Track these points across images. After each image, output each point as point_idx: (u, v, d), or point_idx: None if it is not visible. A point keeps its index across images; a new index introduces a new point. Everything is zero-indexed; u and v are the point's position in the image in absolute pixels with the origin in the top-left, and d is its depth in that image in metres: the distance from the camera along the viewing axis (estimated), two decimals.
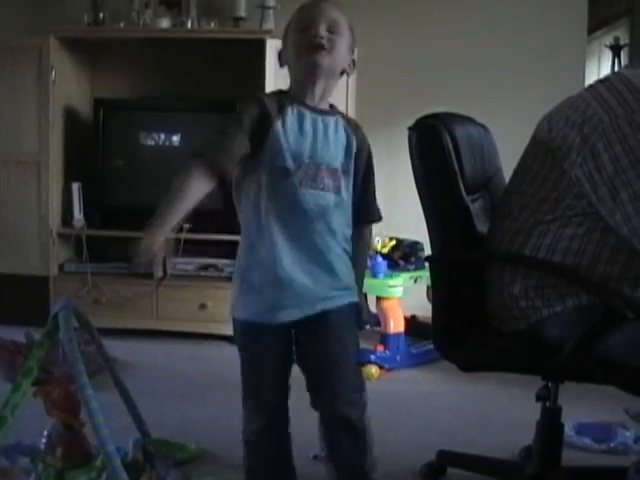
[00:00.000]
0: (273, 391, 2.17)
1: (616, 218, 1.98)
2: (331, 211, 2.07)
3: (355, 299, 2.16)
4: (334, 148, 2.08)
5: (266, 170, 2.03)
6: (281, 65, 2.12)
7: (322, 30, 2.01)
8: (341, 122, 2.12)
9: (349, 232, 2.14)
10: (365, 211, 2.20)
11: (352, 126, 2.15)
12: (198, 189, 1.99)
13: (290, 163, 2.02)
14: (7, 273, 4.59)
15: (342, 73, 2.12)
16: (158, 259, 1.94)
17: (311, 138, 2.05)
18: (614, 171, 1.95)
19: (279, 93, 2.11)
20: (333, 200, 2.07)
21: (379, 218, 2.23)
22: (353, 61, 2.13)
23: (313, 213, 2.04)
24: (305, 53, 2.02)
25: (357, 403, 2.16)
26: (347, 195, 2.11)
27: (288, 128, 2.02)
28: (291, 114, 2.04)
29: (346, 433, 2.16)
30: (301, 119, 2.05)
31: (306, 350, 2.15)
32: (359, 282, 2.22)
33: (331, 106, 2.14)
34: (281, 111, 2.03)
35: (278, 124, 2.02)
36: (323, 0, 2.08)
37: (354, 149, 2.12)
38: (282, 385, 2.17)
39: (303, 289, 2.05)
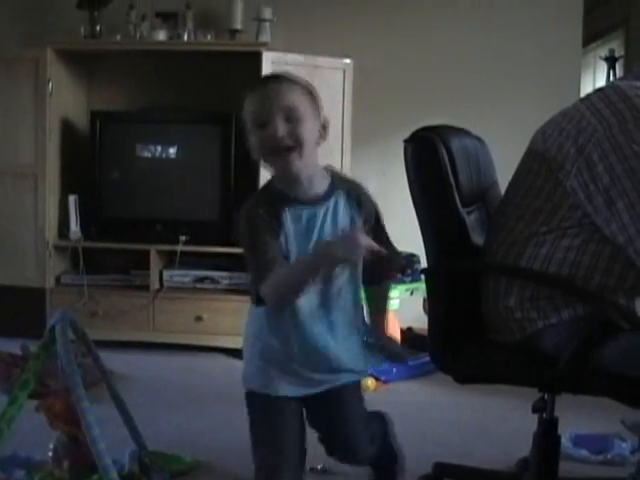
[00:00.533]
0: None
1: (612, 228, 1.98)
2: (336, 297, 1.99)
3: (360, 377, 2.16)
4: (336, 234, 1.94)
5: None
6: (256, 159, 1.94)
7: (281, 127, 1.84)
8: (341, 200, 1.97)
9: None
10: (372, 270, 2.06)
11: (354, 197, 1.99)
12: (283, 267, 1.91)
13: None
14: (3, 285, 4.58)
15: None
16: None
17: (311, 235, 1.92)
18: (609, 181, 1.95)
19: (269, 196, 1.95)
20: (336, 286, 1.98)
21: (403, 268, 2.12)
22: (323, 126, 1.94)
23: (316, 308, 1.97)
24: (274, 158, 1.88)
25: (370, 448, 2.22)
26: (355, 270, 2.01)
27: (289, 236, 1.90)
28: (288, 220, 1.91)
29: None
30: (298, 220, 1.91)
31: (315, 419, 2.13)
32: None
33: (333, 179, 1.99)
34: (279, 220, 1.90)
35: (282, 237, 1.90)
36: (272, 82, 1.93)
37: (360, 222, 1.99)
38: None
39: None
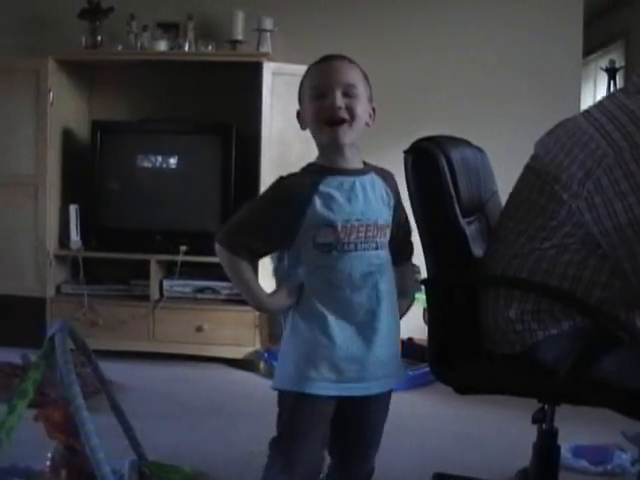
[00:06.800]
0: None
1: (619, 253, 1.98)
2: (384, 268, 2.02)
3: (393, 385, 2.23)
4: (376, 205, 2.00)
5: (308, 249, 1.96)
6: (302, 128, 2.02)
7: (339, 99, 1.92)
8: (376, 178, 2.03)
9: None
10: (405, 249, 2.17)
11: (388, 179, 2.07)
12: (248, 269, 2.04)
13: (333, 235, 1.94)
14: (3, 294, 4.58)
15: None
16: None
17: (354, 201, 1.96)
18: (621, 208, 1.94)
19: (308, 167, 2.02)
20: (384, 257, 2.02)
21: (411, 253, 2.20)
22: (373, 109, 2.03)
23: (364, 276, 1.98)
24: (326, 127, 1.94)
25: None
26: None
27: (327, 201, 1.93)
28: (326, 186, 1.94)
29: None
30: (339, 186, 1.95)
31: (342, 425, 2.17)
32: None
33: (364, 163, 2.06)
34: (315, 187, 1.94)
35: (315, 202, 1.93)
36: (335, 59, 2.00)
37: (392, 202, 2.06)
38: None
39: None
